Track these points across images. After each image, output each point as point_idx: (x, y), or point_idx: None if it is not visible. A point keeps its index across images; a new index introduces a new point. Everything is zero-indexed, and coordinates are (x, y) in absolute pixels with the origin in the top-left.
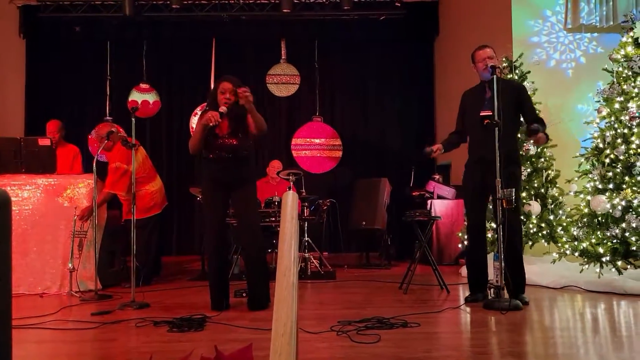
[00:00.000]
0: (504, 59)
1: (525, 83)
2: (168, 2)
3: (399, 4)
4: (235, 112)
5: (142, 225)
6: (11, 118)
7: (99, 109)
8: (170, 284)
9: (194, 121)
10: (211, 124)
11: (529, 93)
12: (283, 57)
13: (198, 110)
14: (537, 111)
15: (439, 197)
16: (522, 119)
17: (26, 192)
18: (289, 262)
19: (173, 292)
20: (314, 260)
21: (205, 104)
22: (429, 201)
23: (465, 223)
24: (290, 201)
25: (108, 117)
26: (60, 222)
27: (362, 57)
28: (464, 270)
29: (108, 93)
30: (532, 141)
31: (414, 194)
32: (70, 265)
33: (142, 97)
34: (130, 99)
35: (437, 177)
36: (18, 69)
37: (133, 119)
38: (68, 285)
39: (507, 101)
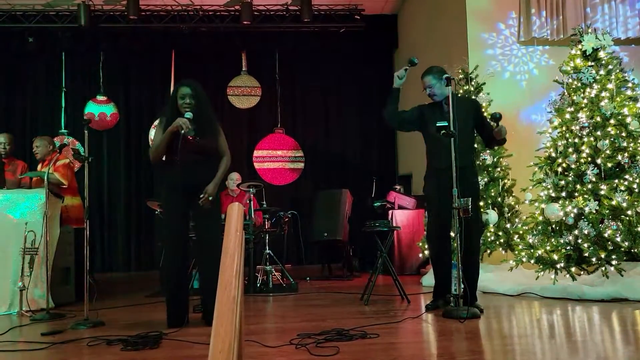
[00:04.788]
0: (460, 71)
1: (480, 94)
2: (125, 13)
3: (358, 17)
4: (200, 113)
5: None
6: None
7: (54, 121)
8: (127, 301)
9: (153, 133)
10: (183, 131)
11: (484, 104)
12: (244, 69)
13: (157, 123)
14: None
15: (400, 208)
16: (477, 133)
17: None
18: (230, 275)
19: (130, 309)
20: (275, 273)
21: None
22: (390, 211)
23: (430, 230)
24: (235, 213)
25: (63, 130)
26: (11, 238)
27: (322, 68)
28: (425, 280)
29: (63, 105)
30: (494, 148)
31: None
32: (20, 283)
33: (100, 109)
34: (86, 111)
35: (398, 187)
36: None
37: (86, 132)
38: (18, 304)
39: (464, 116)
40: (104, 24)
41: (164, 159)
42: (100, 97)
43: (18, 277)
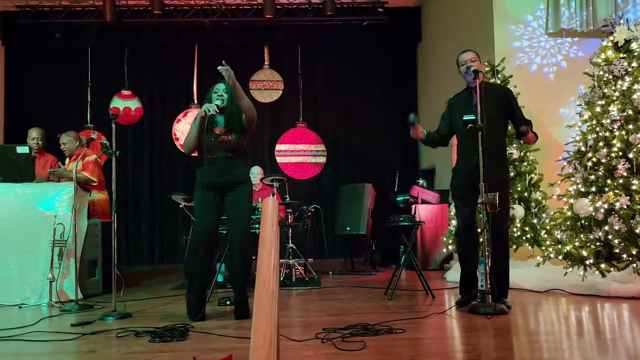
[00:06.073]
0: (486, 64)
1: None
2: (149, 8)
3: (381, 10)
4: (232, 109)
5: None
6: None
7: (80, 116)
8: (152, 293)
9: (176, 127)
10: (210, 113)
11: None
12: (266, 63)
13: (181, 117)
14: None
15: (423, 202)
16: (510, 122)
17: (4, 200)
18: (268, 270)
19: (155, 301)
20: (298, 267)
21: (188, 110)
22: (413, 206)
23: (456, 225)
24: (270, 208)
25: (89, 124)
26: (40, 231)
27: (345, 62)
28: (449, 275)
29: (89, 100)
30: (521, 142)
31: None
32: (49, 275)
33: (124, 103)
34: (111, 105)
35: (421, 181)
36: None
37: (113, 126)
38: (48, 295)
39: (495, 106)
40: (129, 19)
41: (195, 154)
42: (125, 92)
43: (48, 268)
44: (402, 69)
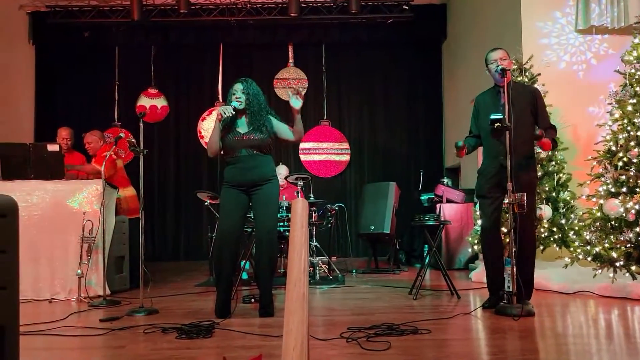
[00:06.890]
0: (514, 61)
1: (535, 85)
2: (176, 7)
3: (406, 7)
4: (251, 108)
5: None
6: (21, 124)
7: (107, 114)
8: (177, 290)
9: (202, 125)
10: (225, 114)
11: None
12: (291, 61)
13: (206, 115)
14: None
15: (448, 201)
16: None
17: (35, 197)
18: (299, 272)
19: (181, 297)
20: (322, 265)
21: (214, 108)
22: (438, 205)
23: (481, 225)
24: (300, 208)
25: (116, 122)
26: (70, 227)
27: (369, 60)
28: (474, 275)
29: (117, 98)
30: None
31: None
32: (78, 271)
33: (151, 102)
34: (138, 103)
35: (445, 180)
36: (28, 74)
37: (141, 124)
38: (77, 291)
39: (522, 106)
40: (156, 18)
41: (221, 154)
42: (151, 90)
43: (77, 264)
44: (427, 67)
